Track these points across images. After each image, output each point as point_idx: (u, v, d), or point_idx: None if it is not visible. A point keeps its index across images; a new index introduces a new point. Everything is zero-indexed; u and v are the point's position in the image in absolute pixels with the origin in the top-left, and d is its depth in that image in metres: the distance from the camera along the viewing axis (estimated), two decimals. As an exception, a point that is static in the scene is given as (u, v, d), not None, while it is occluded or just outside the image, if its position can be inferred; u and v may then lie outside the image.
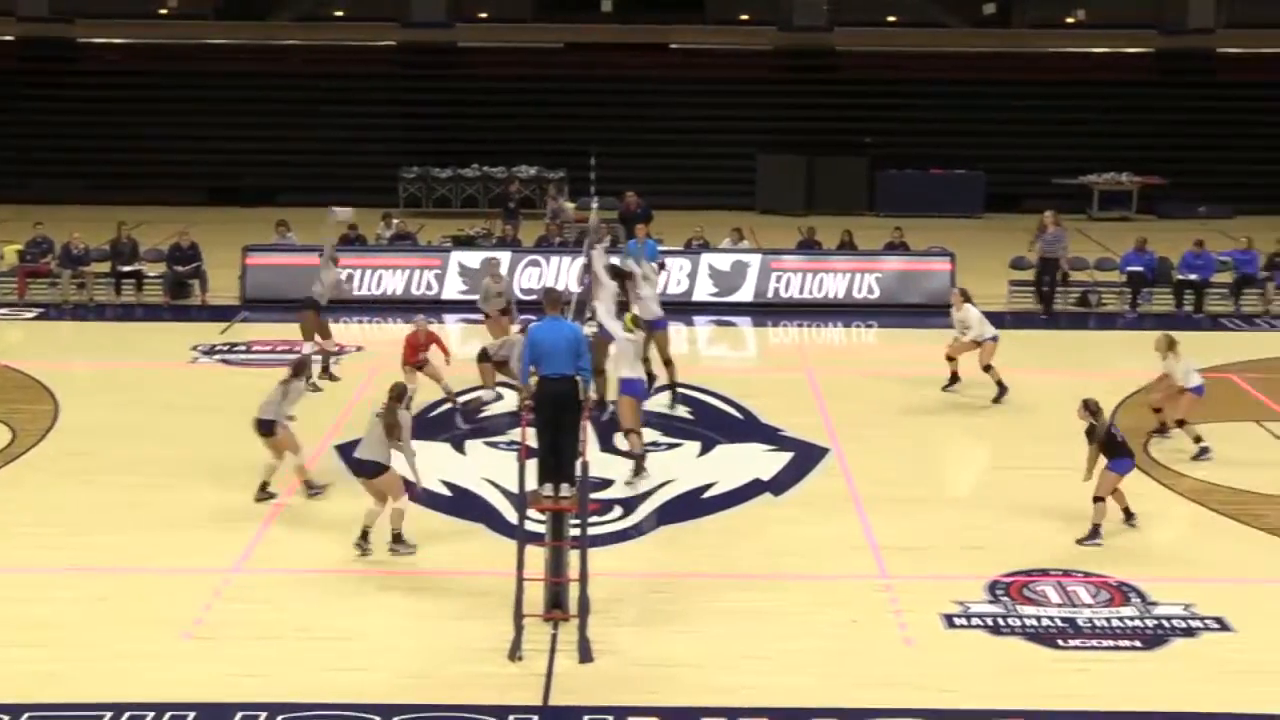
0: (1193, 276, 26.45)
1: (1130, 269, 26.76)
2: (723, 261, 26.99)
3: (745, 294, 26.70)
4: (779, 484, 17.00)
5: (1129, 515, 15.57)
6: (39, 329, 25.19)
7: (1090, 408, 15.48)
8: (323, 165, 38.36)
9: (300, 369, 16.77)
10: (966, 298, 20.59)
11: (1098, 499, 15.19)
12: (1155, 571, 14.43)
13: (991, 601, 13.67)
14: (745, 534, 15.52)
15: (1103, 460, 15.27)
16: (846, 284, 26.83)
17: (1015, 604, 13.62)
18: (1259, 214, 35.88)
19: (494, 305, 22.02)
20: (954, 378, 20.55)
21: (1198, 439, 17.87)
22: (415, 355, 19.94)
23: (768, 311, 26.36)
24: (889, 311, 26.09)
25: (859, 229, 29.28)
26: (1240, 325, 25.80)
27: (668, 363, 19.70)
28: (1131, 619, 13.33)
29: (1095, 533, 15.15)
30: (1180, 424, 18.07)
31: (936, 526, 15.68)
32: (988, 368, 20.22)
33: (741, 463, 17.71)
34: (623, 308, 18.42)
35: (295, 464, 16.25)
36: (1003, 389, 20.14)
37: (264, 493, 16.15)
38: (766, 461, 17.71)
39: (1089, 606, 13.59)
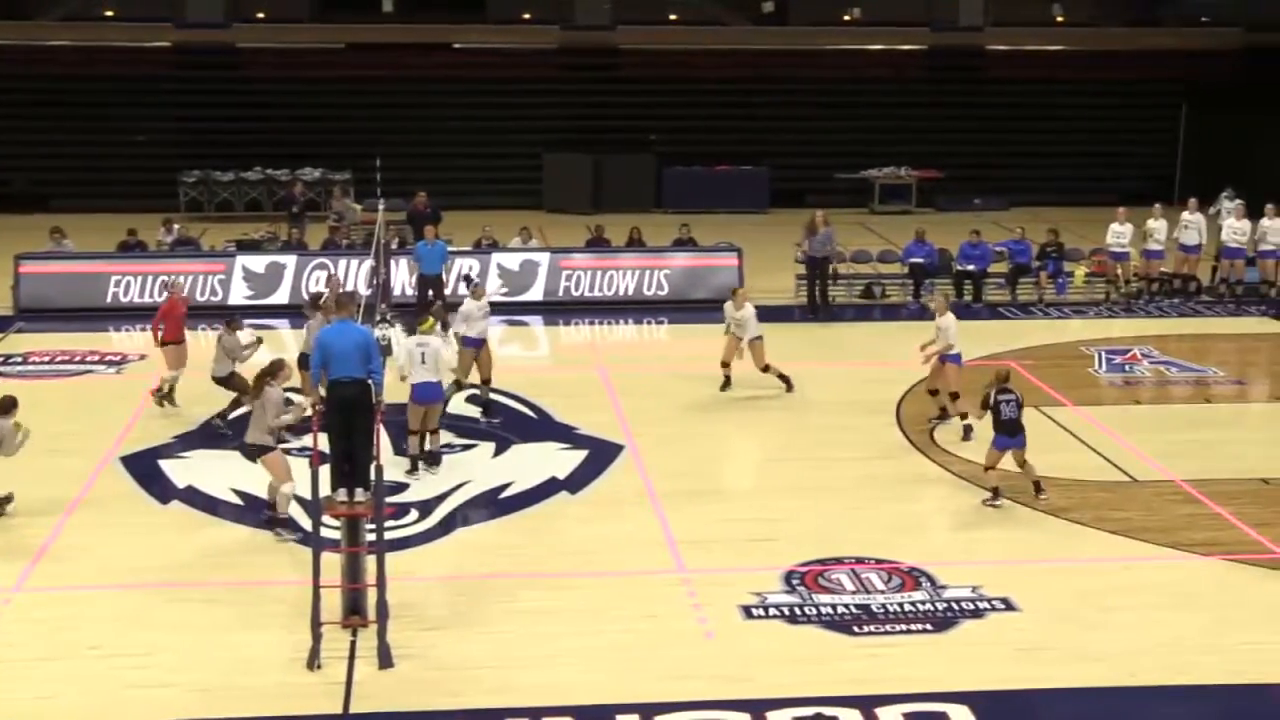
0: (970, 267, 27.23)
1: (911, 260, 27.45)
2: (512, 261, 26.97)
3: (535, 293, 26.72)
4: (575, 482, 17.06)
5: (1037, 489, 16.33)
6: None
7: (998, 376, 16.21)
8: (98, 169, 37.31)
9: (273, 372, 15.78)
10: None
11: (987, 468, 16.21)
12: (944, 555, 14.85)
13: (788, 591, 13.90)
14: (543, 533, 15.53)
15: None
16: (636, 281, 27.03)
17: (811, 593, 13.88)
18: (1031, 205, 37.18)
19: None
20: (728, 380, 20.67)
21: (964, 416, 18.46)
22: (179, 330, 19.50)
23: (559, 310, 26.42)
24: (679, 307, 26.36)
25: (647, 226, 29.51)
26: (1017, 314, 26.64)
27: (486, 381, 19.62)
28: (923, 603, 13.68)
29: (995, 495, 16.17)
30: (954, 397, 18.66)
31: (731, 520, 15.88)
32: (766, 368, 20.44)
33: (537, 462, 17.73)
34: (426, 312, 18.41)
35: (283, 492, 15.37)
36: (788, 381, 20.47)
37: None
38: (562, 460, 17.75)
39: (882, 593, 13.92)
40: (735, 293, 20.80)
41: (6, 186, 37.22)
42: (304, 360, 18.93)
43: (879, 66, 41.76)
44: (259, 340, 19.03)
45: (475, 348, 19.25)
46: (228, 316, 18.53)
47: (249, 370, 17.19)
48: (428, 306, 23.88)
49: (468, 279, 20.31)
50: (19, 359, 22.60)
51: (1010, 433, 16.13)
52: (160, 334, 19.58)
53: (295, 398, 18.23)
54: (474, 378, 19.43)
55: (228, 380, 18.37)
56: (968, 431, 18.47)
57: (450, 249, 25.30)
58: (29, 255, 26.46)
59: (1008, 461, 16.32)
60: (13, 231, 30.84)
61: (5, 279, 26.03)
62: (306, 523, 14.42)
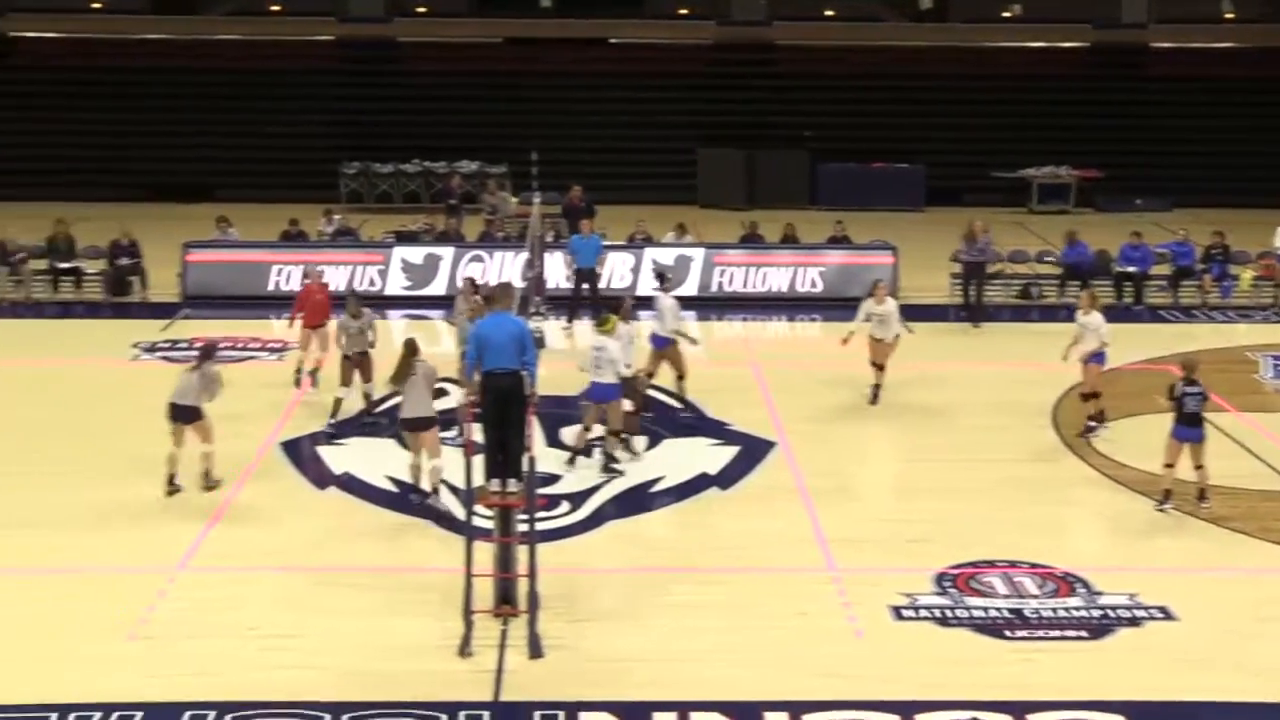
0: (1131, 269, 26.68)
1: (1063, 262, 26.95)
2: (666, 256, 26.99)
3: (689, 288, 26.69)
4: (726, 478, 17.04)
5: (1201, 496, 16.00)
6: (-25, 328, 24.87)
7: (1184, 366, 15.93)
8: (262, 161, 38.04)
9: (208, 353, 16.47)
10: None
11: (1166, 465, 15.82)
12: (1100, 562, 14.56)
13: (939, 593, 13.75)
14: (694, 528, 15.54)
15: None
16: (790, 278, 26.90)
17: (962, 595, 13.71)
18: (1194, 206, 36.29)
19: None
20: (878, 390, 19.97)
21: (1093, 417, 18.16)
22: (318, 316, 19.74)
23: (712, 305, 26.38)
24: (832, 305, 26.12)
25: (801, 222, 29.35)
26: (1179, 317, 26.05)
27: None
28: (1077, 609, 13.44)
29: (1167, 497, 15.88)
30: (1086, 398, 18.26)
31: (883, 519, 15.76)
32: (880, 368, 19.89)
33: (689, 457, 17.72)
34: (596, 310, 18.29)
35: (203, 451, 16.11)
36: (877, 392, 19.84)
37: (173, 485, 16.07)
38: (713, 455, 17.72)
39: (1035, 597, 13.70)
40: (876, 286, 20.21)
41: (176, 177, 38.14)
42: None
43: (1039, 64, 41.11)
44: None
45: (663, 347, 18.91)
46: (203, 349, 16.89)
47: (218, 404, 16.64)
48: (583, 302, 24.05)
49: (660, 274, 20.12)
50: (185, 344, 23.13)
51: (1190, 424, 15.70)
52: (299, 320, 19.99)
53: (449, 387, 18.46)
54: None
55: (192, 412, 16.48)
56: (1089, 430, 18.17)
57: (605, 243, 25.39)
58: (196, 243, 27.08)
59: (1185, 467, 15.83)
60: (180, 220, 31.59)
61: (173, 267, 26.67)
62: (456, 509, 14.59)
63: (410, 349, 16.01)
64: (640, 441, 17.76)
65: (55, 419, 18.95)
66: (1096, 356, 18.44)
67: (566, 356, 22.16)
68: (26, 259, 26.53)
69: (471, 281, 20.00)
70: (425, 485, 15.91)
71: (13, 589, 13.61)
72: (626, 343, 17.43)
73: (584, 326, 24.23)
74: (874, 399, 19.83)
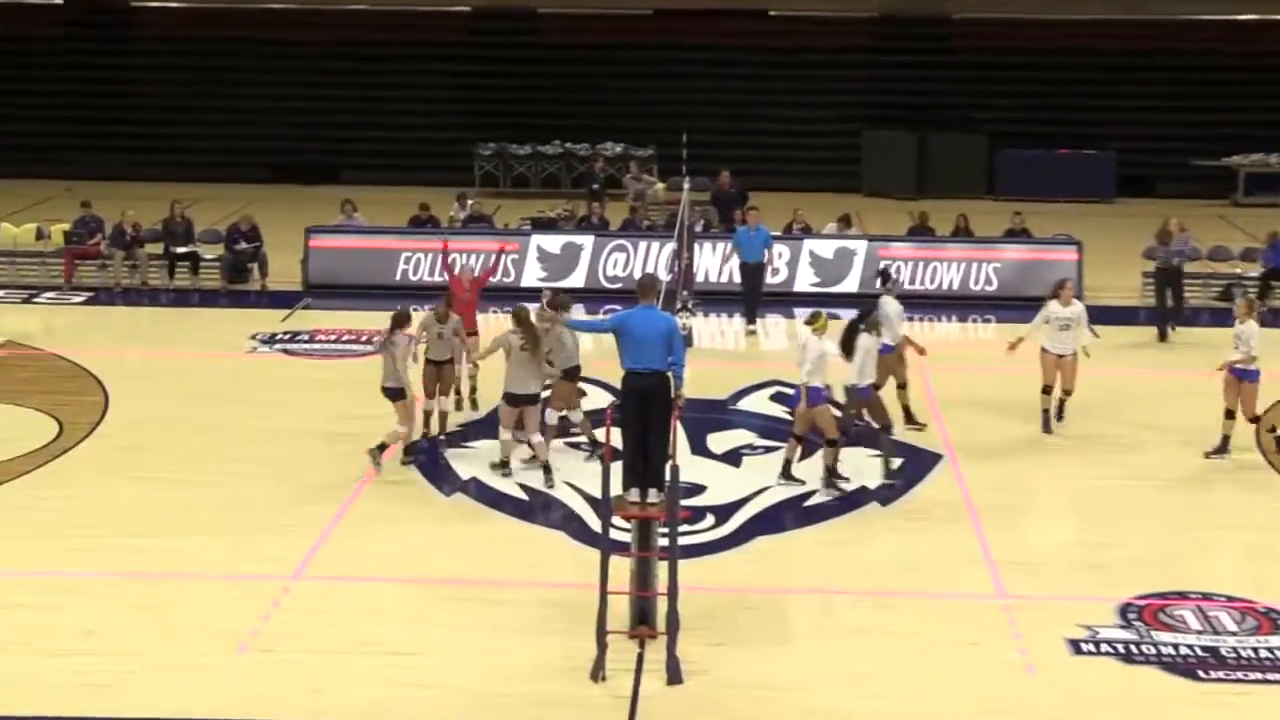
0: (1345, 269, 25.97)
1: (1268, 263, 26.28)
2: (826, 248, 26.87)
3: (850, 284, 26.53)
4: (887, 492, 16.92)
5: None
6: (87, 315, 25.53)
7: None
8: (391, 141, 38.57)
9: (400, 321, 17.19)
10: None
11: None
12: (1309, 596, 14.23)
13: (1123, 626, 13.50)
14: (851, 546, 15.45)
15: None
16: (962, 274, 26.65)
17: (1150, 629, 13.44)
18: None
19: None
20: (1060, 409, 19.19)
21: (1225, 439, 17.72)
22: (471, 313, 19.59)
23: (876, 304, 26.17)
24: (1009, 305, 25.80)
25: (976, 214, 29.04)
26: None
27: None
28: (1281, 648, 13.16)
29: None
30: (1254, 421, 17.70)
31: (1060, 542, 15.56)
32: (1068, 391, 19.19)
33: (847, 468, 17.61)
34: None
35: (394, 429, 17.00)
36: (913, 419, 19.19)
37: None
38: (874, 467, 17.58)
39: (1233, 634, 13.39)
40: (1063, 287, 19.39)
41: (299, 157, 38.81)
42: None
43: (1247, 38, 40.17)
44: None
45: (887, 354, 18.58)
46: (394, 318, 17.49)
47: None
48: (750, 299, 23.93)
49: (884, 274, 20.03)
50: (305, 336, 23.55)
51: None
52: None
53: (588, 388, 18.57)
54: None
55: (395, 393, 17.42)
56: (1220, 451, 17.74)
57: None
58: (319, 229, 27.54)
59: None
60: (303, 203, 32.16)
61: (295, 253, 27.14)
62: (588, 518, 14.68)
63: (520, 316, 16.86)
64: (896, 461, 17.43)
65: (168, 415, 19.36)
66: (1250, 373, 17.79)
67: (714, 356, 22.22)
68: (142, 243, 27.18)
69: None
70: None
71: (123, 594, 13.93)
72: (871, 348, 17.10)
73: (740, 326, 24.34)
74: (1047, 426, 18.92)
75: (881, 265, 23.05)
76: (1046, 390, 18.99)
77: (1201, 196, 35.84)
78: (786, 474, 16.98)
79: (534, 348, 16.81)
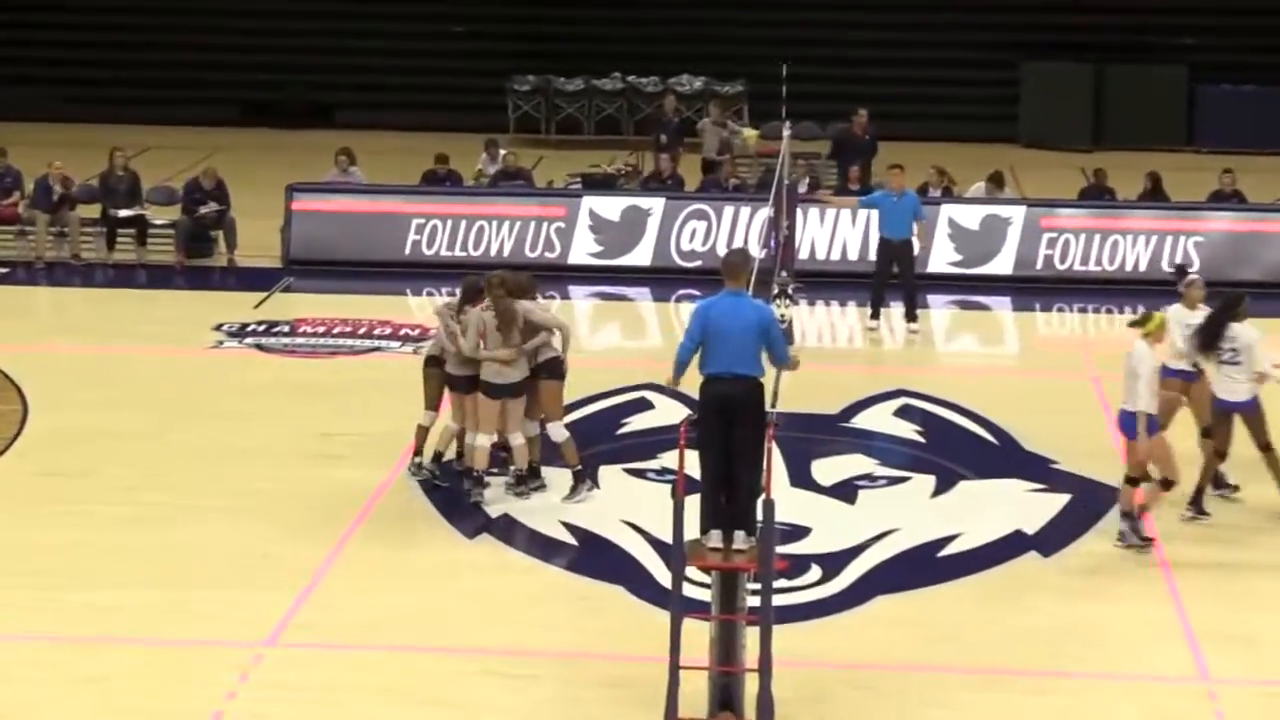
0: None
1: None
2: (970, 217, 26.87)
3: (1003, 264, 26.52)
4: (1050, 540, 16.88)
5: None
6: (3, 296, 25.73)
7: None
8: (400, 73, 38.72)
9: (471, 295, 17.43)
10: None
11: None
12: None
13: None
14: (1001, 609, 15.42)
15: None
16: (1153, 250, 26.57)
17: None
18: None
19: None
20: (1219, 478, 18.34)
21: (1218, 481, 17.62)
22: None
23: (1037, 289, 26.24)
24: (1215, 291, 25.56)
25: (1171, 171, 29.00)
26: None
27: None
28: None
29: None
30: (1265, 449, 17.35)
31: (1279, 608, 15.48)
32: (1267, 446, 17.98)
33: (996, 508, 17.62)
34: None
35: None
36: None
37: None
38: (1033, 507, 17.57)
39: None
40: (1190, 286, 18.35)
41: (281, 92, 38.96)
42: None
43: None
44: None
45: (1188, 380, 18.19)
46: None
47: None
48: (893, 285, 23.81)
49: (1180, 269, 19.98)
50: (285, 328, 23.66)
51: None
52: None
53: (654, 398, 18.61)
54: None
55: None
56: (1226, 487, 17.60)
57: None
58: (305, 186, 27.68)
59: None
60: (287, 152, 32.40)
61: (273, 219, 27.26)
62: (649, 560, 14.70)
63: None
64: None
65: (104, 429, 19.50)
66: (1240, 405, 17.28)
67: (822, 358, 22.18)
68: (74, 203, 27.34)
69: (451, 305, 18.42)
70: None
71: (48, 664, 14.02)
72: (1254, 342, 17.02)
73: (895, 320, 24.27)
74: (1196, 509, 17.48)
75: (1176, 260, 23.01)
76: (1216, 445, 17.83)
77: None
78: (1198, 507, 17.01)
79: (507, 324, 17.01)
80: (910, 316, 23.84)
